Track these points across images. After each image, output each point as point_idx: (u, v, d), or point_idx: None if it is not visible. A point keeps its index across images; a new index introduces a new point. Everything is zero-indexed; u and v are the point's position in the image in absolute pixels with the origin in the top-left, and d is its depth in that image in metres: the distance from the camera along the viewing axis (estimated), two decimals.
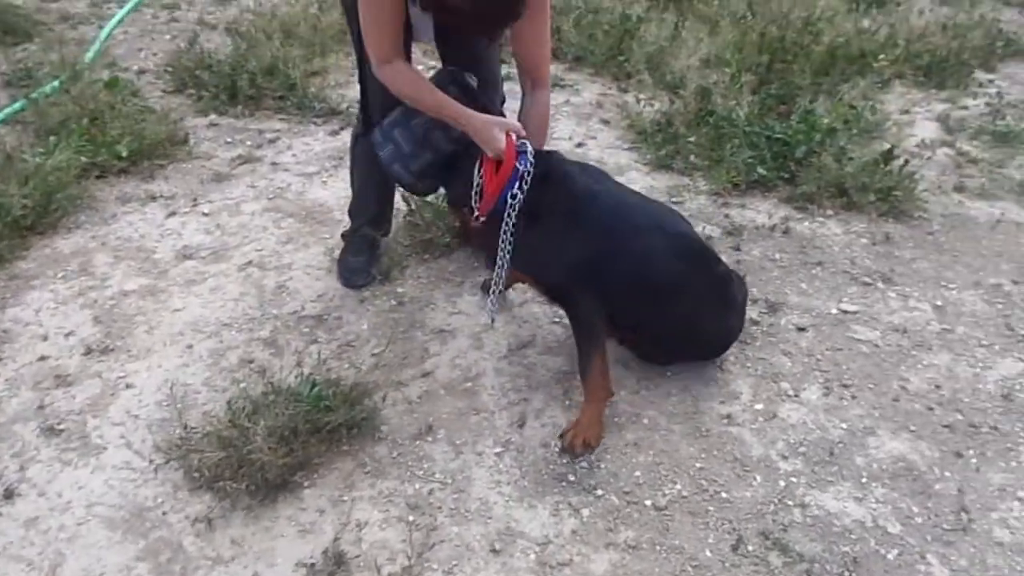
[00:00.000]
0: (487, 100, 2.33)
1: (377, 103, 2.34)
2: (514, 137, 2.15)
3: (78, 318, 2.51)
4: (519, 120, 2.31)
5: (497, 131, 2.14)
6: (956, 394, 2.28)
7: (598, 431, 2.05)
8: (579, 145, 3.69)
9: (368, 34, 2.13)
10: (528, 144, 2.17)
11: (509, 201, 2.11)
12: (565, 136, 3.76)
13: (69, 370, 2.31)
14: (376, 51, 2.14)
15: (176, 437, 2.04)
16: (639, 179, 3.40)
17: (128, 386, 2.26)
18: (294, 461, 1.96)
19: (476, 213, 2.20)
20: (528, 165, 2.12)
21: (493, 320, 2.42)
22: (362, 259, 2.70)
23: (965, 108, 4.13)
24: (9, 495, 1.92)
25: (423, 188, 2.41)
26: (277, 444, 1.93)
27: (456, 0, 1.94)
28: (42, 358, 2.35)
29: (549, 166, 2.18)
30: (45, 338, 2.43)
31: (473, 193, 2.19)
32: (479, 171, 2.17)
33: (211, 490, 1.93)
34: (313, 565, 1.77)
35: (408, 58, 2.35)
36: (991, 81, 4.51)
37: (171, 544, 1.82)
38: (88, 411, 2.18)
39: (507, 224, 2.13)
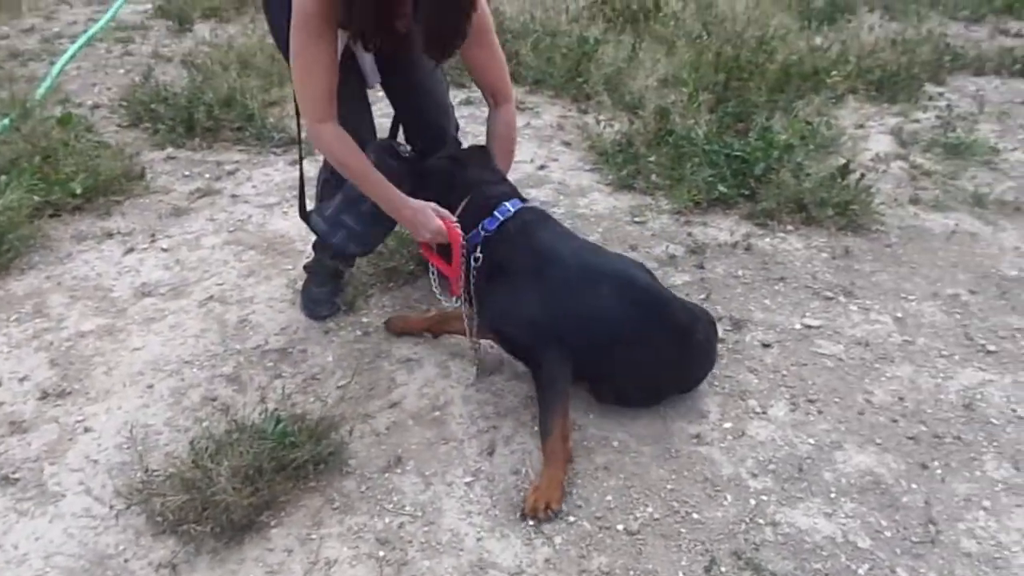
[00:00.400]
0: (420, 167, 2.39)
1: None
2: (453, 220, 2.25)
3: (33, 362, 2.45)
4: (486, 137, 2.42)
5: (429, 217, 2.20)
6: (919, 405, 2.31)
7: (559, 494, 1.99)
8: (541, 167, 3.71)
9: (302, 94, 2.09)
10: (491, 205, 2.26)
11: (472, 265, 2.22)
12: (527, 159, 3.77)
13: (24, 416, 2.25)
14: (310, 111, 2.11)
15: (137, 481, 1.99)
16: (601, 200, 3.42)
17: (86, 430, 2.21)
18: (260, 500, 1.92)
19: (451, 297, 2.38)
20: (483, 232, 2.22)
21: (478, 375, 2.42)
22: (326, 290, 2.68)
23: (917, 121, 4.22)
24: None
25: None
26: (242, 484, 1.89)
27: (404, 26, 1.95)
28: None
29: (509, 224, 2.24)
30: None
31: (432, 278, 2.39)
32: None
33: (175, 534, 1.88)
34: None
35: (367, 107, 2.42)
36: (941, 94, 4.62)
37: None
38: (45, 458, 2.12)
39: (470, 287, 2.26)
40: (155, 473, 1.99)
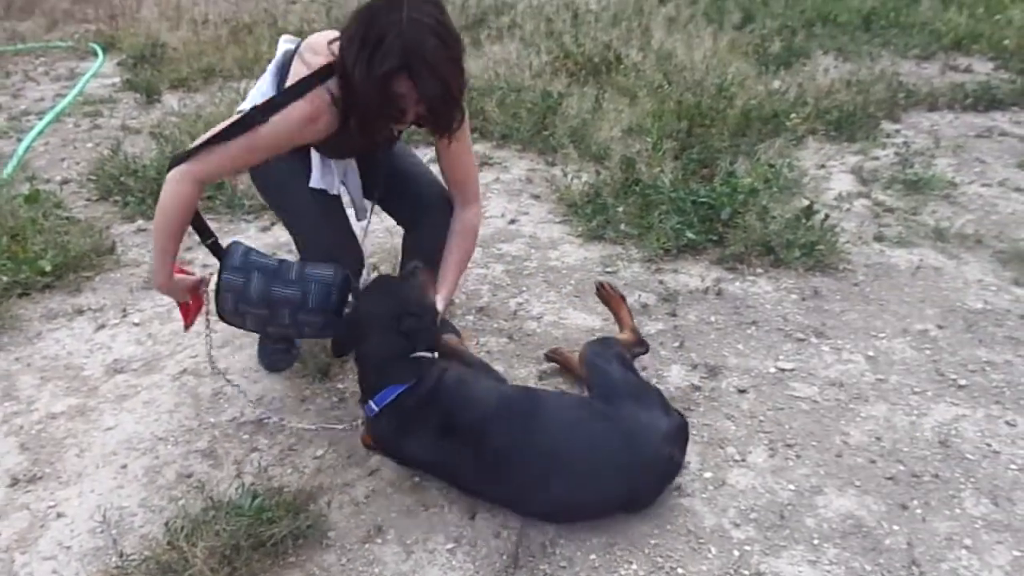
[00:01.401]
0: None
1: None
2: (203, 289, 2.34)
3: (2, 447, 2.40)
4: (448, 238, 2.37)
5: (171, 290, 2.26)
6: (896, 444, 2.32)
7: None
8: (512, 222, 3.75)
9: (211, 149, 2.06)
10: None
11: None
12: (498, 214, 3.81)
13: None
14: (197, 164, 2.06)
15: (112, 567, 1.95)
16: (572, 251, 3.46)
17: (59, 515, 2.16)
18: None
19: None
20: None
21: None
22: (280, 346, 2.70)
23: (876, 159, 4.32)
24: None
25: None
26: (219, 564, 1.86)
27: (414, 111, 1.99)
28: None
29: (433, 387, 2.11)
30: None
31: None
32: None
33: None
34: None
35: (355, 239, 2.49)
36: (897, 131, 4.74)
37: None
38: (15, 547, 2.07)
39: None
40: (130, 557, 1.95)
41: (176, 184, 2.06)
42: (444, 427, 2.06)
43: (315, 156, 2.35)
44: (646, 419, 2.10)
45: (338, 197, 2.45)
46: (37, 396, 2.62)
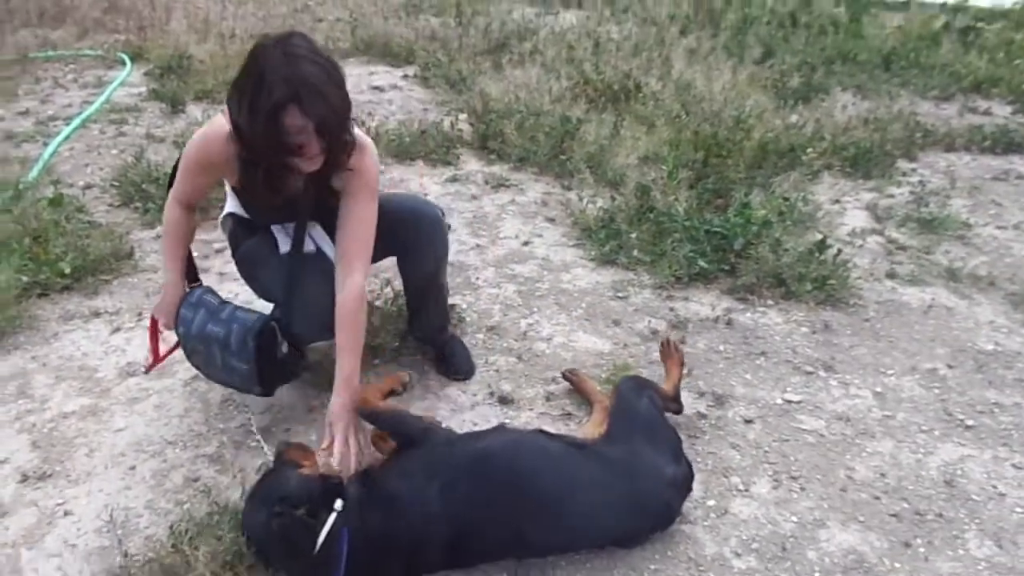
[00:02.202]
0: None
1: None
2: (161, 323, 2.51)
3: (14, 444, 2.43)
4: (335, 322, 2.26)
5: (158, 309, 2.50)
6: (901, 482, 2.32)
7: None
8: (525, 243, 3.78)
9: (180, 173, 2.37)
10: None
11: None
12: (512, 235, 3.84)
13: (3, 500, 2.23)
14: (174, 192, 2.40)
15: (116, 566, 1.97)
16: (584, 275, 3.48)
17: (66, 513, 2.19)
18: None
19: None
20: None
21: None
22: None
23: (891, 196, 4.33)
24: None
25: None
26: (221, 569, 1.87)
27: (309, 144, 2.01)
28: None
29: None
30: None
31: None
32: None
33: None
34: None
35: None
36: (913, 170, 4.75)
37: None
38: (22, 543, 2.09)
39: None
40: (134, 558, 1.97)
41: (167, 208, 2.43)
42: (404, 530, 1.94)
43: (275, 228, 2.45)
44: (653, 461, 2.10)
45: (315, 257, 2.42)
46: (51, 395, 2.65)
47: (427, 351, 2.87)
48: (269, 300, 2.54)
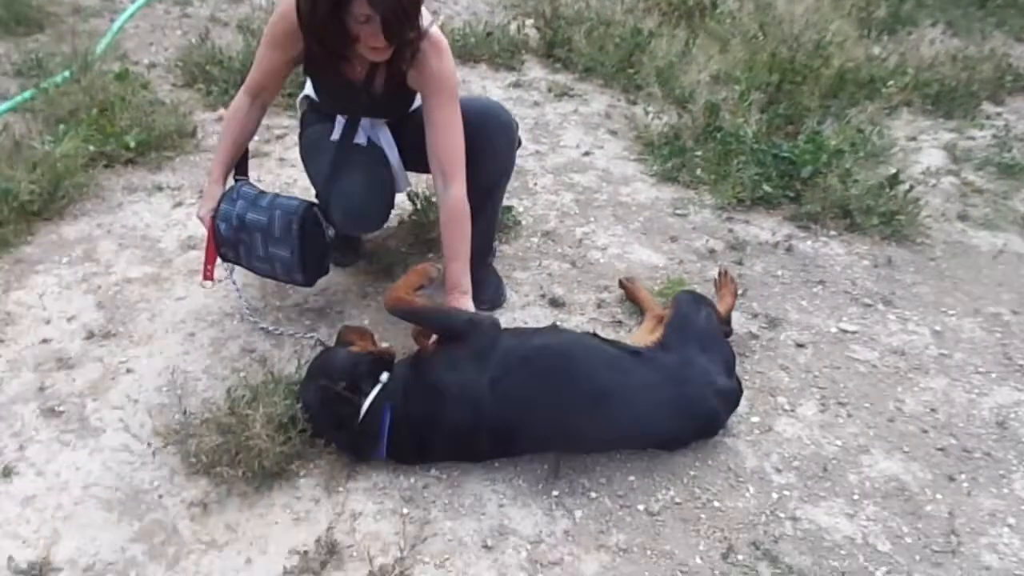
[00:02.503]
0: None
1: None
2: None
3: (81, 303, 2.52)
4: (440, 224, 2.28)
5: (202, 204, 2.38)
6: (951, 418, 2.29)
7: None
8: (586, 154, 3.72)
9: (253, 65, 2.37)
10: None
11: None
12: (572, 145, 3.78)
13: (70, 354, 2.32)
14: (246, 82, 2.39)
15: (175, 422, 2.06)
16: (644, 190, 3.43)
17: (128, 371, 2.27)
18: (291, 450, 1.97)
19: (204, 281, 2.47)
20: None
21: None
22: (346, 244, 2.76)
23: (972, 139, 4.15)
24: (7, 473, 1.93)
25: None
26: (275, 432, 1.94)
27: (367, 35, 2.00)
28: (44, 341, 2.36)
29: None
30: (48, 321, 2.44)
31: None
32: None
33: (208, 475, 1.94)
34: (306, 553, 1.78)
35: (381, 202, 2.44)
36: (999, 114, 4.53)
37: (166, 527, 1.83)
38: (88, 394, 2.19)
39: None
40: (192, 416, 2.05)
41: (235, 99, 2.42)
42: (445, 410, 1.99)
43: (339, 118, 2.41)
44: (705, 369, 2.10)
45: (365, 150, 2.40)
46: (115, 261, 2.73)
47: None
48: (315, 183, 2.53)
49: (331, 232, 2.40)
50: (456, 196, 2.24)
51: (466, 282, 2.25)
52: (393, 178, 2.46)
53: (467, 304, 2.23)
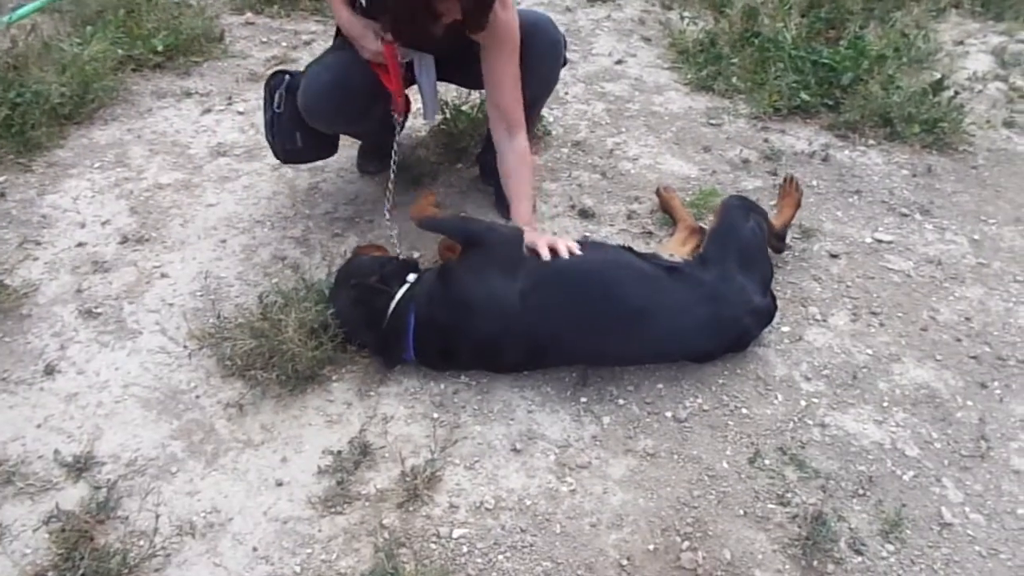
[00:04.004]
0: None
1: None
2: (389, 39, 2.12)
3: (114, 208, 2.54)
4: (500, 176, 2.28)
5: (368, 39, 2.13)
6: (986, 327, 2.26)
7: None
8: (619, 62, 3.62)
9: None
10: None
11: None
12: (605, 52, 3.68)
13: (106, 257, 2.36)
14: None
15: (210, 326, 2.09)
16: (678, 99, 3.34)
17: (163, 275, 2.31)
18: (323, 355, 2.00)
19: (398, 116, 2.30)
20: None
21: None
22: (375, 152, 2.71)
23: (1022, 42, 3.97)
24: (50, 371, 1.99)
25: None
26: (307, 337, 1.97)
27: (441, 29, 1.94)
28: (80, 244, 2.40)
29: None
30: (83, 225, 2.47)
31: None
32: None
33: (243, 378, 1.98)
34: (339, 453, 1.82)
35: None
36: None
37: (204, 426, 1.89)
38: (124, 297, 2.23)
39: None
40: (226, 320, 2.09)
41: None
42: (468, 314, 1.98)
43: None
44: (741, 287, 2.06)
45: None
46: (146, 167, 2.73)
47: (489, 193, 2.67)
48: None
49: (278, 104, 2.30)
50: (521, 144, 2.24)
51: (532, 218, 2.26)
52: (371, 92, 2.27)
53: (533, 228, 2.21)
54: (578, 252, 2.06)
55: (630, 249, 2.19)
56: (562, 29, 2.41)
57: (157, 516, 1.69)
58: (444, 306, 1.99)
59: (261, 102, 2.38)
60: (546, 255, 2.04)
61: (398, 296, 2.00)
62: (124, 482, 1.75)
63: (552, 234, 2.27)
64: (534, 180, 2.29)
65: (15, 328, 2.11)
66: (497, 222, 2.23)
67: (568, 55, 2.43)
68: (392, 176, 2.37)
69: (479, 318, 1.97)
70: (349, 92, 2.22)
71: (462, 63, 2.24)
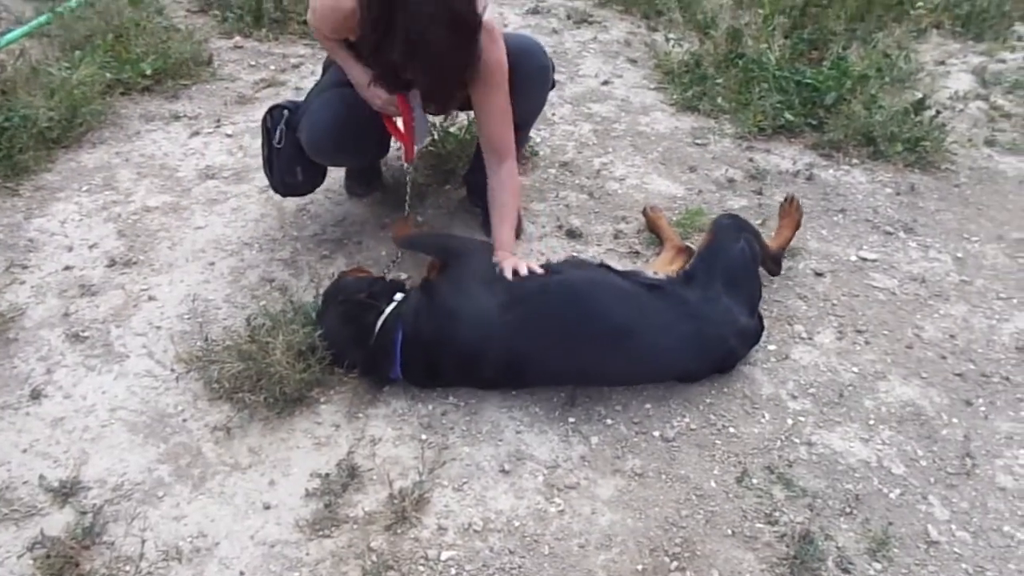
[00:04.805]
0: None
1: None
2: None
3: (102, 231, 2.54)
4: (488, 202, 2.31)
5: (377, 91, 2.16)
6: (970, 344, 2.28)
7: None
8: (605, 83, 3.65)
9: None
10: None
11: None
12: (591, 74, 3.71)
13: (93, 280, 2.35)
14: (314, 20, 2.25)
15: (197, 349, 2.09)
16: (664, 119, 3.37)
17: (151, 298, 2.30)
18: (311, 377, 2.00)
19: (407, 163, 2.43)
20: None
21: None
22: (360, 177, 2.76)
23: (1003, 62, 4.03)
24: (36, 396, 1.99)
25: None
26: (295, 359, 1.97)
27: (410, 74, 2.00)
28: (67, 268, 2.40)
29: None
30: (70, 249, 2.47)
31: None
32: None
33: (230, 400, 1.98)
34: (327, 476, 1.82)
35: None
36: None
37: (191, 449, 1.88)
38: (111, 320, 2.22)
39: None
40: (214, 343, 2.09)
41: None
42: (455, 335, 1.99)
43: None
44: (727, 309, 2.07)
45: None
46: (134, 189, 2.74)
47: (477, 214, 2.67)
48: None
49: (278, 138, 2.32)
50: (508, 171, 2.28)
51: (513, 244, 2.29)
52: (372, 128, 2.35)
53: (511, 250, 2.25)
54: (539, 271, 2.09)
55: (609, 267, 2.19)
56: (549, 51, 2.44)
57: (143, 541, 1.68)
58: (429, 319, 2.01)
59: (250, 125, 2.41)
60: (509, 276, 2.07)
61: (387, 311, 2.01)
62: (110, 507, 1.74)
63: (523, 256, 2.30)
64: (519, 205, 2.32)
65: (1, 352, 2.10)
66: (473, 237, 2.25)
67: (555, 77, 2.45)
68: (408, 190, 2.49)
69: (461, 328, 1.99)
70: (351, 130, 2.29)
71: None
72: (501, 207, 2.29)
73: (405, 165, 2.44)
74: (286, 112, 2.33)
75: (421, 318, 2.01)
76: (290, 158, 2.34)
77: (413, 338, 1.99)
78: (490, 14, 2.10)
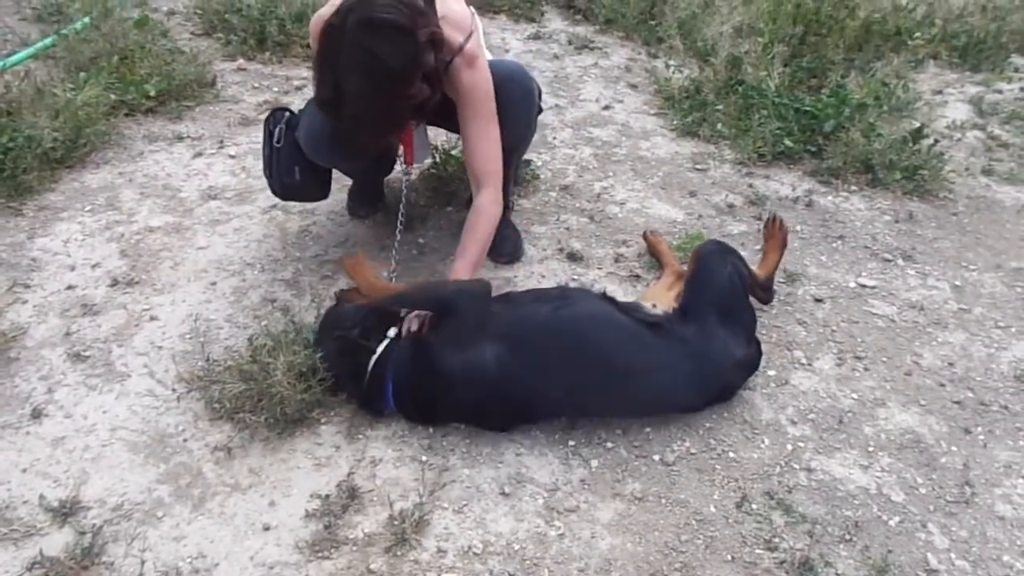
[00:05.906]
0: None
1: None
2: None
3: (105, 251, 2.55)
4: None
5: None
6: (969, 372, 2.29)
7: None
8: (606, 108, 3.68)
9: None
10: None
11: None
12: (592, 98, 3.75)
13: (95, 300, 2.36)
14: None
15: (198, 369, 2.09)
16: (664, 144, 3.40)
17: (152, 318, 2.31)
18: (312, 398, 2.00)
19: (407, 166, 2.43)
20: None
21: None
22: (364, 197, 2.79)
23: (999, 92, 4.08)
24: (37, 415, 1.98)
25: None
26: (296, 380, 1.97)
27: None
28: (69, 287, 2.40)
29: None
30: (72, 268, 2.47)
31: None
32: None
33: (231, 421, 1.98)
34: (327, 497, 1.82)
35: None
36: None
37: (191, 469, 1.88)
38: (113, 340, 2.23)
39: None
40: (215, 363, 2.09)
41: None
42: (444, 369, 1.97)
43: None
44: (723, 343, 2.05)
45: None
46: (137, 209, 2.75)
47: None
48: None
49: (278, 138, 2.36)
50: (483, 201, 2.25)
51: (466, 275, 2.19)
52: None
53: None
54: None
55: (612, 300, 2.14)
56: (550, 76, 2.46)
57: (143, 562, 1.67)
58: (421, 379, 1.98)
59: (252, 146, 2.42)
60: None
61: (378, 352, 2.00)
62: (110, 527, 1.74)
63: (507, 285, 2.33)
64: (492, 233, 2.25)
65: (2, 371, 2.10)
66: (462, 280, 2.15)
67: (556, 101, 2.49)
68: (402, 208, 2.46)
69: (459, 390, 1.96)
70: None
71: (451, 110, 2.28)
72: (470, 232, 2.23)
73: (405, 167, 2.43)
74: (287, 114, 2.38)
75: (413, 375, 1.98)
76: (289, 158, 2.36)
77: (403, 391, 1.99)
78: (475, 42, 2.16)
